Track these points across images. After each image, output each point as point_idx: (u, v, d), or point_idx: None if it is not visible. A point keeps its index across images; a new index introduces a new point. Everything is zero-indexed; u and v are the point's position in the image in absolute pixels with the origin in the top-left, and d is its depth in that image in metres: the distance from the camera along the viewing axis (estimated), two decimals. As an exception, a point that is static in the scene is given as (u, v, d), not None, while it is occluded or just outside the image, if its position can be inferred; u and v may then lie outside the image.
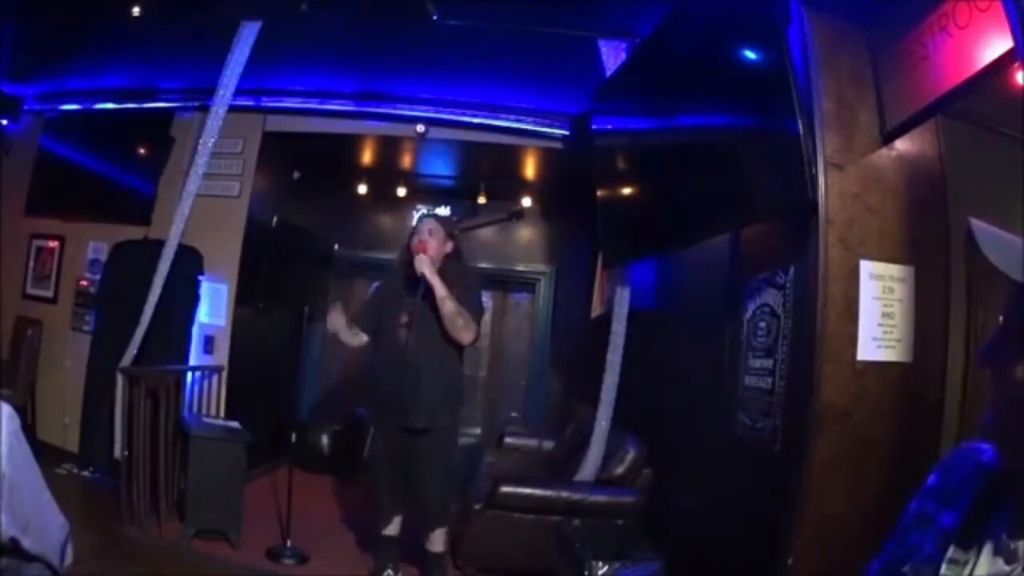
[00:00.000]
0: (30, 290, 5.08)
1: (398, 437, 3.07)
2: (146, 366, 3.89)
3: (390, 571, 3.22)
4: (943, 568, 0.72)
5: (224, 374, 4.47)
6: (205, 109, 4.09)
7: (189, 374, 4.25)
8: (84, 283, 4.88)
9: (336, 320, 3.13)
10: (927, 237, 2.29)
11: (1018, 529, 0.68)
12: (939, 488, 0.80)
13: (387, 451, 3.13)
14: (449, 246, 3.17)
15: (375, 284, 3.90)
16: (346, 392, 6.16)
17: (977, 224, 0.70)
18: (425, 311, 3.02)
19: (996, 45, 1.72)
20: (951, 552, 0.72)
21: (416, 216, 6.04)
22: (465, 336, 3.04)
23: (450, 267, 3.14)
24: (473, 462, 4.40)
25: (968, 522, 0.72)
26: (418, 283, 3.01)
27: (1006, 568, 0.68)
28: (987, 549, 0.70)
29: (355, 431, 5.40)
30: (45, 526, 1.10)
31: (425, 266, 2.99)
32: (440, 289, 2.98)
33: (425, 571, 3.23)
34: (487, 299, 6.22)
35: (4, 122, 5.14)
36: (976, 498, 0.73)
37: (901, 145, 2.29)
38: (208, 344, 4.56)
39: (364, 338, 3.19)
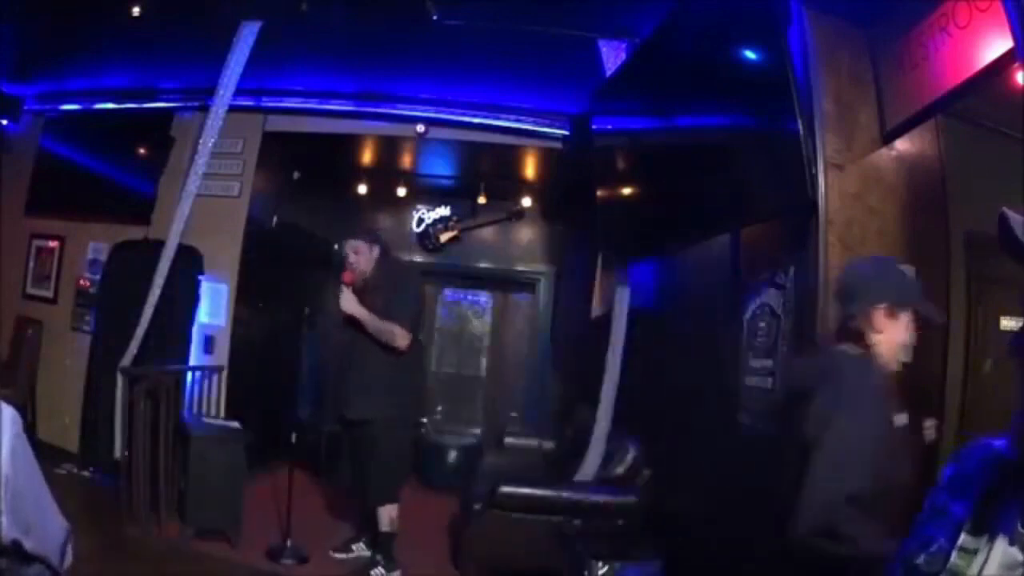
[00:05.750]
0: (30, 290, 5.07)
1: (345, 428, 3.43)
2: (146, 366, 3.89)
3: (363, 544, 3.54)
4: (954, 556, 0.73)
5: (224, 374, 4.46)
6: (205, 109, 4.09)
7: (189, 374, 4.25)
8: (84, 283, 4.88)
9: None
10: (927, 237, 2.29)
11: None
12: (951, 480, 0.81)
13: (342, 439, 3.50)
14: (376, 251, 3.47)
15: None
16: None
17: (1012, 215, 0.70)
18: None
19: (996, 45, 1.72)
20: (962, 540, 0.73)
21: (416, 218, 6.07)
22: (399, 343, 3.29)
23: (379, 272, 3.44)
24: (473, 462, 4.40)
25: (979, 512, 0.73)
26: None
27: (1020, 557, 0.68)
28: (1000, 538, 0.70)
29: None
30: (47, 527, 1.10)
31: (344, 303, 3.29)
32: (362, 316, 3.27)
33: (374, 548, 3.44)
34: (487, 299, 6.26)
35: (4, 122, 5.13)
36: (987, 488, 0.74)
37: (901, 145, 2.29)
38: (208, 344, 4.55)
39: None
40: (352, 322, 3.30)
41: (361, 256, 3.42)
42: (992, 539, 0.71)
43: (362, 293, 3.34)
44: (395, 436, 3.39)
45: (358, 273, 3.39)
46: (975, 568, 0.71)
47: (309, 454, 5.03)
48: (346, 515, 4.14)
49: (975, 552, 0.71)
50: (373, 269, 3.43)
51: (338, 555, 3.53)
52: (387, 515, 3.36)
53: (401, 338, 3.29)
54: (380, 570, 3.31)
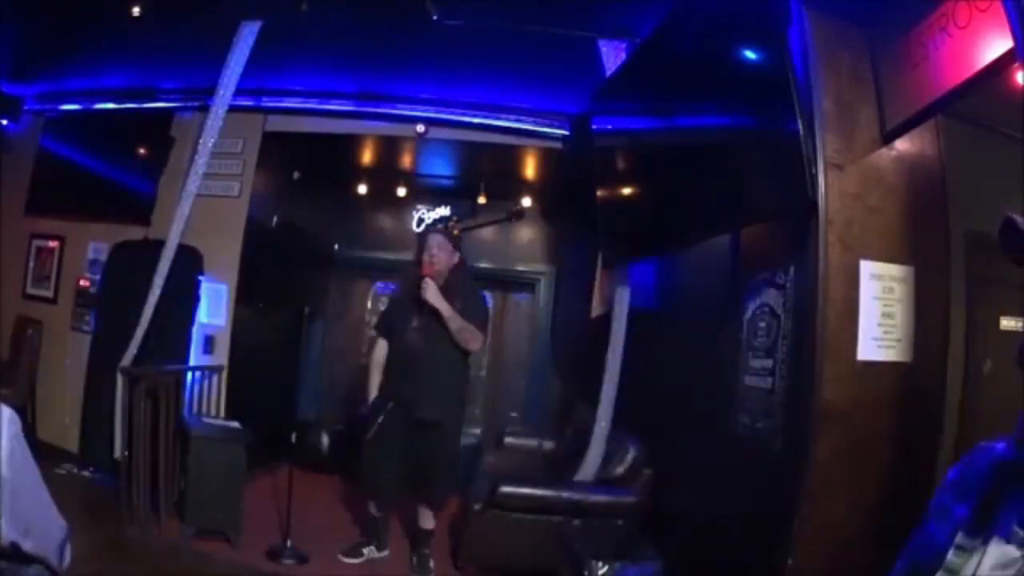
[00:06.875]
0: (30, 290, 5.07)
1: (407, 429, 3.29)
2: (146, 366, 3.89)
3: (373, 548, 3.51)
4: (950, 554, 0.73)
5: (224, 374, 4.46)
6: (205, 109, 4.09)
7: (189, 374, 4.25)
8: (84, 283, 4.88)
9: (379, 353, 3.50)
10: (927, 237, 2.29)
11: None
12: (955, 482, 0.82)
13: (393, 440, 3.32)
14: (456, 257, 3.45)
15: (379, 284, 4.00)
16: (347, 392, 6.16)
17: (1020, 219, 0.71)
18: (432, 320, 3.29)
19: (996, 45, 1.72)
20: (959, 539, 0.74)
21: (416, 218, 6.07)
22: (473, 345, 3.36)
23: (456, 278, 3.41)
24: (473, 462, 4.40)
25: (978, 512, 0.74)
26: (424, 303, 3.25)
27: (1016, 554, 0.69)
28: (997, 537, 0.71)
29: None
30: (45, 528, 1.10)
31: (429, 294, 3.24)
32: (446, 310, 3.25)
33: (414, 545, 3.51)
34: (487, 299, 6.25)
35: (4, 122, 5.14)
36: (988, 490, 0.75)
37: (901, 145, 2.29)
38: (208, 344, 4.55)
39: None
40: (434, 314, 3.25)
41: (443, 252, 3.38)
42: (989, 538, 0.71)
43: (443, 291, 3.31)
44: (457, 438, 3.50)
45: (436, 269, 3.33)
46: (971, 567, 0.71)
47: (309, 454, 5.05)
48: (346, 515, 4.15)
49: (971, 551, 0.72)
50: (450, 272, 3.40)
51: (347, 559, 3.45)
52: (432, 514, 3.48)
53: (477, 340, 3.35)
54: (432, 563, 3.43)
